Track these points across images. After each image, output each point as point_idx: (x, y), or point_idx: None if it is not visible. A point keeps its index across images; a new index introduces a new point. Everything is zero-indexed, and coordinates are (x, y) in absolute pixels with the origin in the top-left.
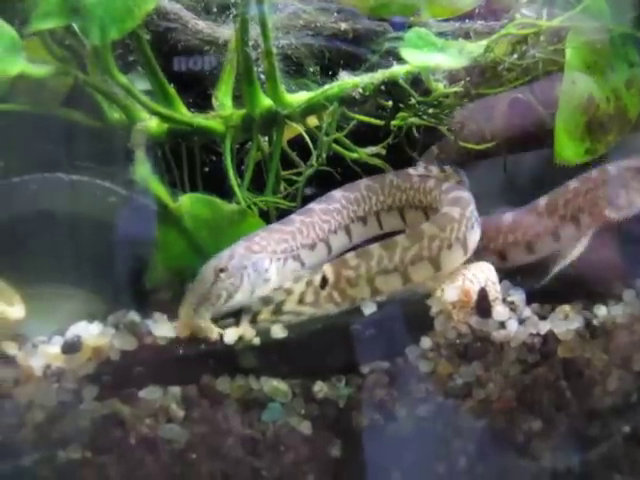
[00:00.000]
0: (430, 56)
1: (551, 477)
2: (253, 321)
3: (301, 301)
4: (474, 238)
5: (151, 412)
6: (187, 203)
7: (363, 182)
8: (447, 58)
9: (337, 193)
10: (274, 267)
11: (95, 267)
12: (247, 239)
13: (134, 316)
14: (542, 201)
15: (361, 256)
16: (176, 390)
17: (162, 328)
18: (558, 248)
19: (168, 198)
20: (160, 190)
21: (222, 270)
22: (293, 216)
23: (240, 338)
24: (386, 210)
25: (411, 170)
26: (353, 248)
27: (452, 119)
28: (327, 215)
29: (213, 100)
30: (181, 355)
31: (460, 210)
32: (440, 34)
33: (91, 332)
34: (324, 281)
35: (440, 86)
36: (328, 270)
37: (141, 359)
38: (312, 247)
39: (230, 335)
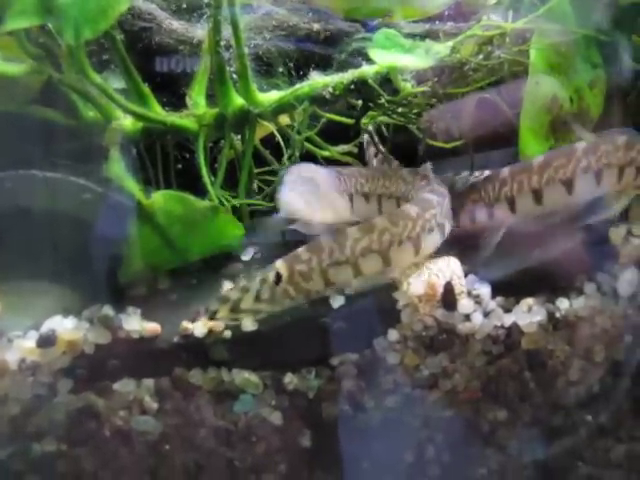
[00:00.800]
0: (397, 56)
1: (517, 465)
2: (212, 319)
3: (257, 298)
4: (431, 241)
5: (125, 404)
6: (160, 200)
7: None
8: (414, 58)
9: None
10: None
11: (70, 263)
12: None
13: (108, 310)
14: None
15: (312, 250)
16: (149, 382)
17: (135, 322)
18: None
19: (141, 195)
20: (133, 187)
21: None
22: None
23: (210, 331)
24: (387, 196)
25: (420, 169)
26: None
27: (421, 118)
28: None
29: (187, 99)
30: (154, 348)
31: (418, 210)
32: (412, 35)
33: (66, 326)
34: (278, 277)
35: (408, 86)
36: (281, 266)
37: (115, 352)
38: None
39: (200, 328)
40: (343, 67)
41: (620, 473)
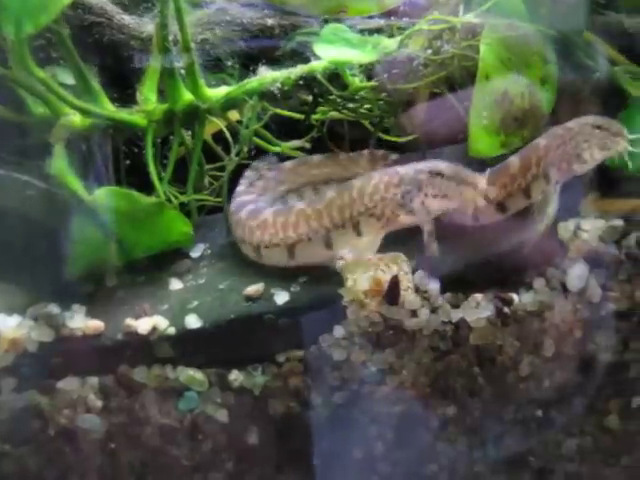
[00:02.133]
0: (341, 51)
1: (467, 460)
2: None
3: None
4: None
5: (69, 403)
6: (103, 196)
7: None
8: (358, 53)
9: None
10: None
11: (15, 260)
12: None
13: (53, 308)
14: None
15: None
16: (94, 380)
17: (79, 320)
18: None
19: (83, 191)
20: (74, 183)
21: None
22: None
23: (154, 328)
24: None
25: None
26: None
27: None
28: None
29: (137, 95)
30: (98, 346)
31: None
32: (366, 31)
33: (9, 324)
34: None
35: (356, 80)
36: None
37: (58, 350)
38: None
39: (144, 325)
40: (295, 62)
41: (572, 466)
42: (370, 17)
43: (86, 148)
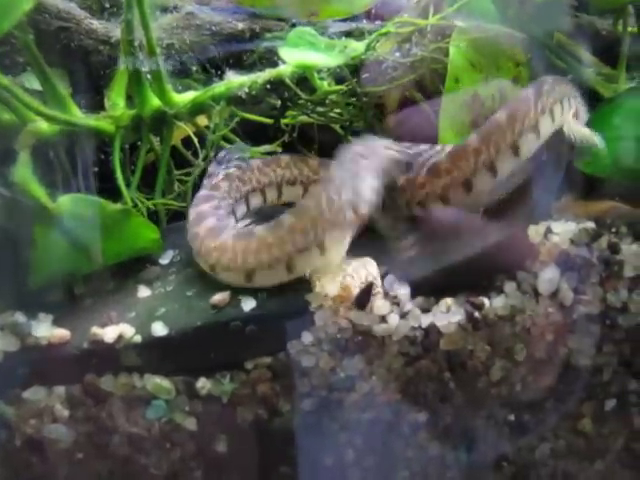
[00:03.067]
0: (306, 54)
1: (439, 466)
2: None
3: None
4: None
5: (36, 412)
6: (67, 203)
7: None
8: (324, 57)
9: None
10: None
11: None
12: None
13: (19, 317)
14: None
15: None
16: (60, 390)
17: (45, 329)
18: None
19: (46, 199)
20: (38, 191)
21: None
22: None
23: (120, 336)
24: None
25: None
26: None
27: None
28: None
29: (105, 100)
30: (64, 355)
31: None
32: (338, 34)
33: None
34: None
35: (325, 84)
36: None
37: (24, 360)
38: None
39: (110, 334)
40: (264, 66)
41: (545, 471)
42: (344, 20)
43: (53, 155)
